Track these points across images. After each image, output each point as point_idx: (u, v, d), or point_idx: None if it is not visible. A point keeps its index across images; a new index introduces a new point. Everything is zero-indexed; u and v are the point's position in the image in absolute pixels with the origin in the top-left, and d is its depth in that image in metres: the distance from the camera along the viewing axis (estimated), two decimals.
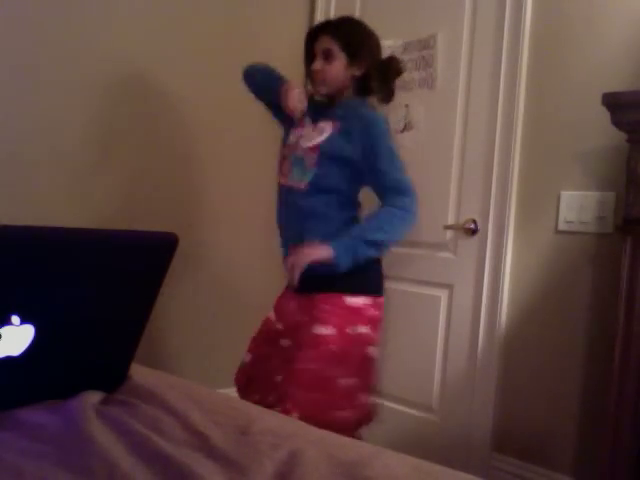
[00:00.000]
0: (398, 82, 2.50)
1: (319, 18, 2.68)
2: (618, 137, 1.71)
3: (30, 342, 0.96)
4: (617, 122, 1.65)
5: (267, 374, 1.83)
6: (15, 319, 0.93)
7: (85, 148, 2.12)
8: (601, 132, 1.87)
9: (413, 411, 2.36)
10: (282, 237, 1.87)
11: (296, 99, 1.75)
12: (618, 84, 1.82)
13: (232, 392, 1.96)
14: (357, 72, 1.79)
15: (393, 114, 2.45)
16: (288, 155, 1.82)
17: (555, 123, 2.02)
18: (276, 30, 2.57)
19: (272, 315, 1.88)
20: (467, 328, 2.20)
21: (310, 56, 1.81)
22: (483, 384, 2.14)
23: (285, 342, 1.83)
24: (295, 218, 1.81)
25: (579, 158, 1.96)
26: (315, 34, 1.81)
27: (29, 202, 1.99)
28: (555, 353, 2.00)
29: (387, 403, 2.42)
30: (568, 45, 2.00)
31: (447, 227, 2.26)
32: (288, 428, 1.09)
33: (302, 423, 1.20)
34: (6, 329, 0.92)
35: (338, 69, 1.77)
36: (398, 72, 1.85)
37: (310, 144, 1.77)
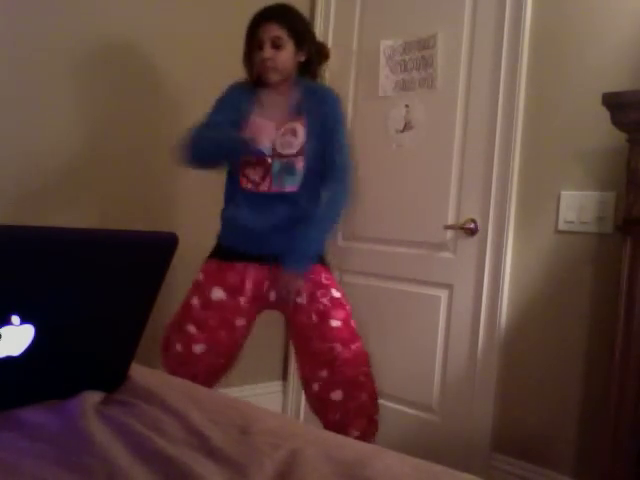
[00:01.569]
0: (398, 82, 2.51)
1: (319, 18, 2.68)
2: (618, 137, 1.71)
3: (30, 342, 0.96)
4: (617, 122, 1.65)
5: (215, 363, 1.89)
6: (15, 319, 0.93)
7: (85, 148, 2.12)
8: (601, 132, 1.87)
9: (413, 411, 2.36)
10: (249, 240, 1.87)
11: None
12: (618, 84, 1.82)
13: (232, 392, 1.96)
14: (302, 58, 1.88)
15: (393, 114, 2.46)
16: (265, 163, 1.83)
17: (555, 123, 2.02)
18: None
19: (222, 295, 1.85)
20: (467, 328, 2.20)
21: (253, 44, 1.83)
22: (483, 384, 2.14)
23: (240, 322, 1.88)
24: (278, 219, 1.84)
25: (579, 158, 1.96)
26: (259, 22, 1.83)
27: (29, 202, 1.99)
28: (555, 353, 2.00)
29: (387, 403, 2.42)
30: (568, 45, 2.00)
31: (447, 227, 2.26)
32: (288, 428, 1.09)
33: (302, 423, 1.20)
34: (6, 329, 0.92)
35: (288, 56, 1.84)
36: (327, 56, 1.97)
37: (294, 150, 1.84)
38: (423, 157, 2.35)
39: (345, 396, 1.81)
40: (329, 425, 1.84)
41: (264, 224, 1.85)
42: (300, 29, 1.85)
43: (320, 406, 1.87)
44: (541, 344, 2.03)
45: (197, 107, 2.38)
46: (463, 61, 2.26)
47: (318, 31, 2.65)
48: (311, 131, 1.85)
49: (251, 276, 1.87)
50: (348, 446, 1.03)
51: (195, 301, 1.86)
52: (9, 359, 0.95)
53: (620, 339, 1.61)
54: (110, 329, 1.09)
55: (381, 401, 2.41)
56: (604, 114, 1.66)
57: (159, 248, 1.08)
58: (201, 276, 1.89)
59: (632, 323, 1.59)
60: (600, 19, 1.93)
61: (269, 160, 1.83)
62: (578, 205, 1.96)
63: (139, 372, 1.23)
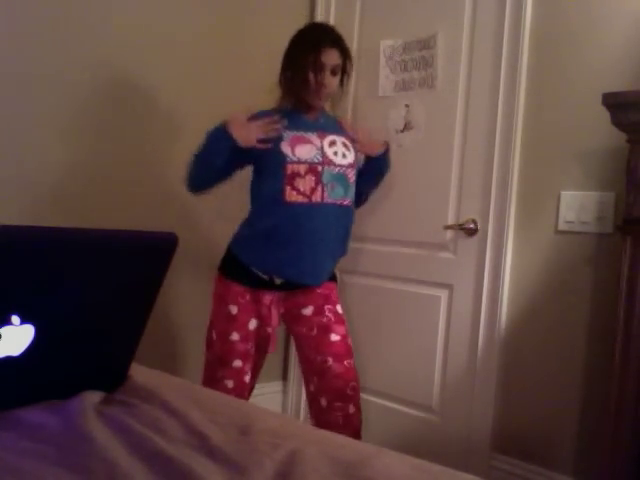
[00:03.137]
0: (398, 82, 2.51)
1: (319, 18, 2.68)
2: (618, 137, 1.71)
3: (30, 342, 0.96)
4: (617, 122, 1.65)
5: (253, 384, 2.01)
6: (15, 319, 0.93)
7: (85, 148, 2.12)
8: (601, 132, 1.87)
9: (413, 411, 2.36)
10: (302, 256, 1.82)
11: (252, 130, 1.78)
12: (618, 84, 1.82)
13: None
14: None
15: (393, 114, 2.46)
16: (316, 172, 1.80)
17: (555, 123, 2.02)
18: (276, 31, 2.57)
19: (256, 324, 1.89)
20: (467, 328, 2.20)
21: (310, 66, 1.79)
22: (483, 384, 2.15)
23: (264, 345, 1.95)
24: (331, 233, 1.86)
25: (579, 158, 1.96)
26: (323, 46, 1.79)
27: (29, 202, 1.99)
28: (555, 353, 2.00)
29: (387, 403, 2.42)
30: (568, 45, 1.99)
31: (447, 227, 2.26)
32: (288, 428, 1.09)
33: (302, 423, 1.20)
34: (6, 329, 0.92)
35: (337, 85, 1.86)
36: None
37: (346, 162, 1.86)
38: (423, 157, 2.35)
39: (330, 405, 1.85)
40: (318, 426, 1.87)
41: (319, 252, 1.84)
42: (351, 61, 1.88)
43: (312, 405, 1.93)
44: (541, 344, 2.03)
45: (197, 107, 2.40)
46: (463, 61, 2.25)
47: None
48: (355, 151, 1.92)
49: (276, 307, 1.91)
50: (348, 446, 1.03)
51: (235, 337, 1.86)
52: (9, 359, 0.95)
53: (620, 339, 1.61)
54: (110, 329, 1.09)
55: (381, 401, 2.42)
56: (604, 114, 1.66)
57: (159, 248, 1.08)
58: (235, 310, 1.86)
59: (632, 323, 1.59)
60: (600, 19, 1.93)
61: (319, 168, 1.80)
62: (578, 205, 1.96)
63: (139, 372, 1.23)
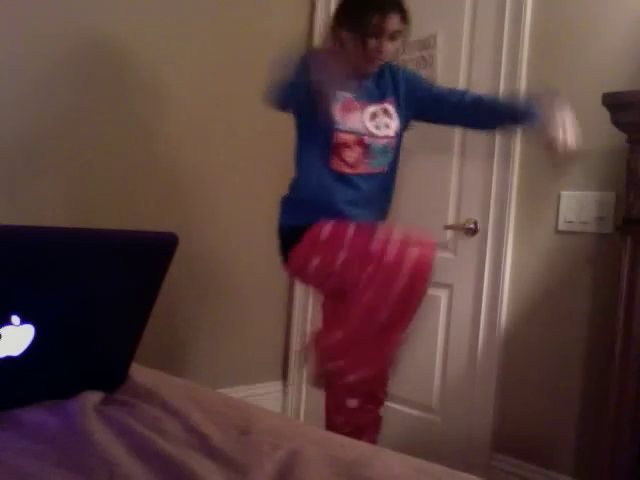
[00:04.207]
0: None
1: (319, 18, 2.68)
2: (618, 137, 1.71)
3: (30, 342, 0.96)
4: (617, 122, 1.65)
5: None
6: (15, 319, 0.93)
7: (85, 148, 2.12)
8: (601, 132, 1.87)
9: (413, 411, 2.36)
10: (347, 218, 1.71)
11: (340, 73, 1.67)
12: (618, 84, 1.82)
13: (232, 392, 1.96)
14: None
15: None
16: (364, 144, 1.74)
17: None
18: (276, 30, 2.57)
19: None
20: (467, 328, 2.20)
21: (368, 29, 1.66)
22: (483, 384, 2.14)
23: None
24: (374, 199, 1.83)
25: (579, 158, 1.96)
26: (385, 10, 1.66)
27: (29, 202, 1.99)
28: (555, 353, 2.00)
29: (387, 403, 2.41)
30: (568, 45, 1.99)
31: (447, 227, 2.26)
32: (288, 428, 1.09)
33: (302, 423, 1.20)
34: (6, 329, 0.92)
35: (393, 52, 1.75)
36: None
37: (391, 132, 1.80)
38: (423, 157, 2.35)
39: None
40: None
41: (364, 215, 1.77)
42: (409, 24, 1.74)
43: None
44: (541, 344, 2.03)
45: (198, 106, 2.40)
46: (463, 61, 2.25)
47: (318, 31, 2.65)
48: (401, 112, 1.83)
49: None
50: (348, 446, 1.03)
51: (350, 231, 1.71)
52: (9, 359, 0.95)
53: (620, 339, 1.61)
54: (110, 329, 1.09)
55: None
56: (604, 114, 1.66)
57: (159, 248, 1.08)
58: (329, 227, 1.70)
59: (632, 323, 1.59)
60: (600, 19, 1.93)
61: (366, 140, 1.74)
62: (578, 205, 1.96)
63: (139, 372, 1.23)
